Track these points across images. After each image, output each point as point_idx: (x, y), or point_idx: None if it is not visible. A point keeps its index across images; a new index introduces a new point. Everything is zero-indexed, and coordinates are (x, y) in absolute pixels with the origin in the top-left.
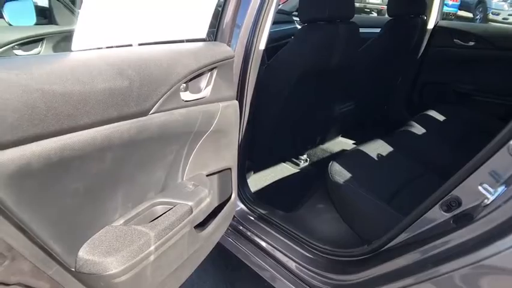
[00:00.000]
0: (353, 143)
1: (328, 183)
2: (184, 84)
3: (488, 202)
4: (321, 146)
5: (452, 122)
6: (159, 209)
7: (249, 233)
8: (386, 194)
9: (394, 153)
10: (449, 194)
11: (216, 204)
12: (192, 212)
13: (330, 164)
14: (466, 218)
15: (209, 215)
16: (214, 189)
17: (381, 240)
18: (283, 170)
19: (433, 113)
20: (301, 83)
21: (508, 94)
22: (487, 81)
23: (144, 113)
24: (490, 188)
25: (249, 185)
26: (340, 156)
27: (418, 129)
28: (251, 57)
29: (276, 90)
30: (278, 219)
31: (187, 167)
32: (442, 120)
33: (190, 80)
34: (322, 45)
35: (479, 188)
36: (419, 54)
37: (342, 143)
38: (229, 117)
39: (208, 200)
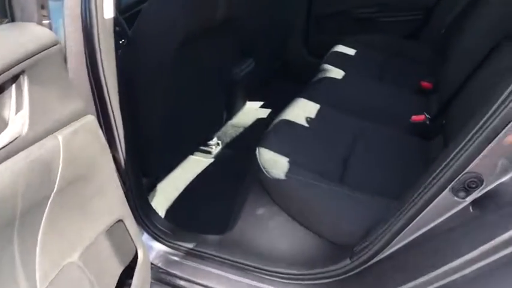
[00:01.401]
0: (261, 106)
1: (264, 180)
2: None
3: None
4: (231, 122)
5: (366, 54)
6: None
7: (181, 282)
8: (335, 169)
9: (324, 111)
10: (464, 171)
11: (117, 275)
12: None
13: (257, 152)
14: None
15: None
16: (105, 259)
17: (369, 249)
18: (194, 165)
19: (341, 49)
20: (185, 51)
21: (409, 8)
22: None
23: None
24: None
25: (156, 210)
26: (265, 137)
27: (336, 72)
28: (95, 35)
29: (151, 70)
30: (213, 249)
31: (35, 268)
32: (354, 54)
33: None
34: None
35: None
36: None
37: (252, 110)
38: (84, 149)
39: None
